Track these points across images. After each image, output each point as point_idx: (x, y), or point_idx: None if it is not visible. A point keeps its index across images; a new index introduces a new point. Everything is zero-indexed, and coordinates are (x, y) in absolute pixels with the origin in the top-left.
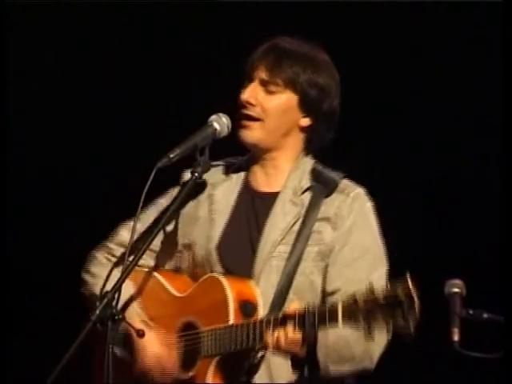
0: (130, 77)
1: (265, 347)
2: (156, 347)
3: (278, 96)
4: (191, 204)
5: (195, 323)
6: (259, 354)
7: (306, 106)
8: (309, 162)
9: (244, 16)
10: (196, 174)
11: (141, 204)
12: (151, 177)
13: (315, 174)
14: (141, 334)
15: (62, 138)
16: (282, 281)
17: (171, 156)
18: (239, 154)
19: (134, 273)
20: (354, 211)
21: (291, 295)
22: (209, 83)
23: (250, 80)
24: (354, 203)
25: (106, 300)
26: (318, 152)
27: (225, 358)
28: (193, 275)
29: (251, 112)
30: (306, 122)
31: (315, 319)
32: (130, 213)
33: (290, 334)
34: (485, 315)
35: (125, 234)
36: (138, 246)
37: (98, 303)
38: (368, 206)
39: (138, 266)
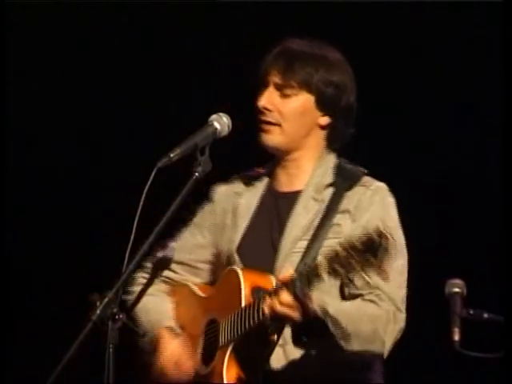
0: (130, 77)
1: (266, 319)
2: (174, 348)
3: (294, 98)
4: (220, 214)
5: (217, 318)
6: (273, 337)
7: (323, 105)
8: (332, 159)
9: (244, 16)
10: (196, 174)
11: (141, 204)
12: (151, 177)
13: (338, 170)
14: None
15: (62, 138)
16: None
17: (171, 156)
18: (240, 154)
19: (172, 287)
20: (374, 204)
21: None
22: (209, 83)
23: (265, 85)
24: (375, 196)
25: (106, 300)
26: (341, 148)
27: (239, 345)
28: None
29: (269, 118)
30: (324, 120)
31: (304, 278)
32: (130, 213)
33: (283, 298)
34: (485, 315)
35: (160, 253)
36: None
37: (98, 303)
38: (389, 200)
39: (175, 280)
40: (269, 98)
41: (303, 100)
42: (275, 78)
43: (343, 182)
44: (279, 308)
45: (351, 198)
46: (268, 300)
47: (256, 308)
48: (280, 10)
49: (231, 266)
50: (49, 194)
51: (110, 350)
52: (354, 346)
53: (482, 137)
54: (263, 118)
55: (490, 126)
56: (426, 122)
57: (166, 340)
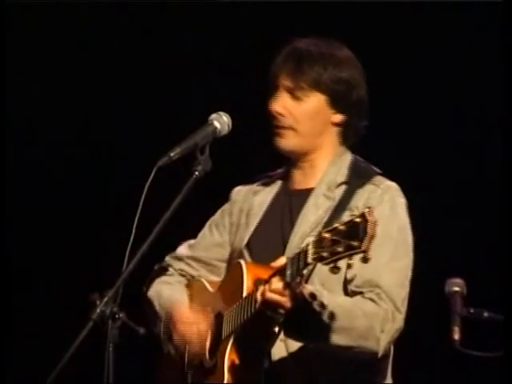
0: (130, 77)
1: (260, 307)
2: (190, 315)
3: (306, 100)
4: (236, 214)
5: (222, 311)
6: (274, 329)
7: (335, 103)
8: (347, 157)
9: (244, 16)
10: (196, 173)
11: (141, 203)
12: (152, 176)
13: (352, 168)
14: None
15: (62, 138)
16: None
17: (171, 155)
18: (241, 153)
19: (188, 281)
20: (383, 202)
21: (317, 284)
22: (209, 83)
23: (276, 89)
24: (385, 195)
25: (106, 299)
26: (355, 144)
27: (241, 337)
28: None
29: (282, 122)
30: (338, 117)
31: (293, 265)
32: (130, 212)
33: (274, 285)
34: (485, 314)
35: (181, 249)
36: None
37: (98, 302)
38: (400, 200)
39: (190, 275)
40: (281, 102)
41: (315, 101)
42: (285, 82)
43: (356, 181)
44: (269, 295)
45: (361, 196)
46: (261, 288)
47: (253, 297)
48: (280, 10)
49: (236, 260)
50: (49, 194)
51: (110, 349)
52: (347, 340)
53: (482, 137)
54: (276, 122)
55: (490, 125)
56: (425, 122)
57: (181, 310)
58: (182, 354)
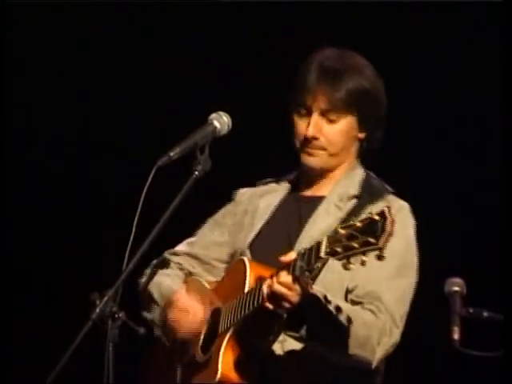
0: (129, 77)
1: (263, 299)
2: (186, 299)
3: (340, 122)
4: (240, 215)
5: (220, 307)
6: (273, 326)
7: (363, 122)
8: (360, 172)
9: (244, 16)
10: (196, 173)
11: (141, 203)
12: (151, 175)
13: (365, 184)
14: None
15: (61, 138)
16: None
17: (171, 154)
18: (241, 153)
19: (186, 277)
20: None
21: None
22: (209, 83)
23: (308, 110)
24: (396, 214)
25: (106, 298)
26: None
27: (238, 332)
28: None
29: (316, 144)
30: (362, 134)
31: (303, 259)
32: (130, 212)
33: (282, 277)
34: (485, 314)
35: (180, 246)
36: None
37: (97, 302)
38: (410, 221)
39: (188, 270)
40: (316, 126)
41: (348, 122)
42: (321, 104)
43: (367, 196)
44: (277, 287)
45: (373, 211)
46: (268, 281)
47: (257, 291)
48: (280, 10)
49: (238, 257)
50: (49, 194)
51: (110, 348)
52: (345, 346)
53: (482, 137)
54: (309, 144)
55: (490, 126)
56: (425, 121)
57: (181, 296)
58: (172, 340)
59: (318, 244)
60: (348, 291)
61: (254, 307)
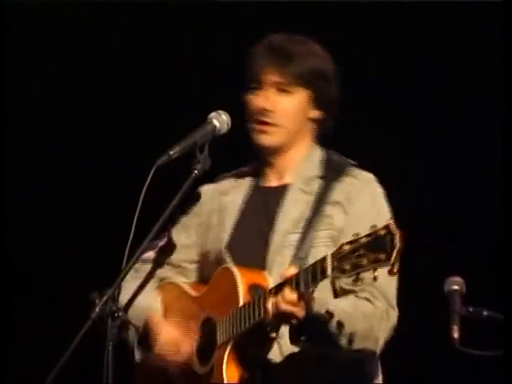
0: (129, 77)
1: (269, 316)
2: (171, 331)
3: (292, 96)
4: (205, 215)
5: (212, 317)
6: (272, 335)
7: (315, 99)
8: (319, 151)
9: (244, 16)
10: (196, 172)
11: (140, 202)
12: (151, 174)
13: (326, 162)
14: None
15: (61, 138)
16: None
17: (171, 153)
18: (239, 151)
19: (161, 285)
20: (363, 194)
21: None
22: (209, 83)
23: (260, 84)
24: (364, 186)
25: (105, 298)
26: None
27: (238, 343)
28: (210, 278)
29: (269, 119)
30: (315, 113)
31: (308, 276)
32: (130, 211)
33: (288, 295)
34: (485, 313)
35: (148, 253)
36: (163, 261)
37: (97, 301)
38: (379, 190)
39: (161, 278)
40: (268, 98)
41: (300, 96)
42: (272, 77)
43: (331, 174)
44: (284, 306)
45: (340, 189)
46: (272, 298)
47: (257, 306)
48: (280, 10)
49: (224, 265)
50: (49, 194)
51: (110, 348)
52: (352, 345)
53: (482, 137)
54: (262, 118)
55: (490, 125)
56: (425, 121)
57: (158, 322)
58: (164, 363)
59: (323, 261)
60: (338, 278)
61: (257, 321)
